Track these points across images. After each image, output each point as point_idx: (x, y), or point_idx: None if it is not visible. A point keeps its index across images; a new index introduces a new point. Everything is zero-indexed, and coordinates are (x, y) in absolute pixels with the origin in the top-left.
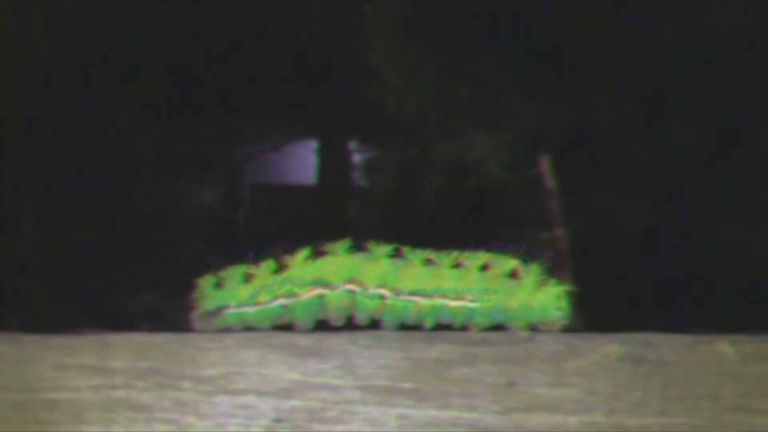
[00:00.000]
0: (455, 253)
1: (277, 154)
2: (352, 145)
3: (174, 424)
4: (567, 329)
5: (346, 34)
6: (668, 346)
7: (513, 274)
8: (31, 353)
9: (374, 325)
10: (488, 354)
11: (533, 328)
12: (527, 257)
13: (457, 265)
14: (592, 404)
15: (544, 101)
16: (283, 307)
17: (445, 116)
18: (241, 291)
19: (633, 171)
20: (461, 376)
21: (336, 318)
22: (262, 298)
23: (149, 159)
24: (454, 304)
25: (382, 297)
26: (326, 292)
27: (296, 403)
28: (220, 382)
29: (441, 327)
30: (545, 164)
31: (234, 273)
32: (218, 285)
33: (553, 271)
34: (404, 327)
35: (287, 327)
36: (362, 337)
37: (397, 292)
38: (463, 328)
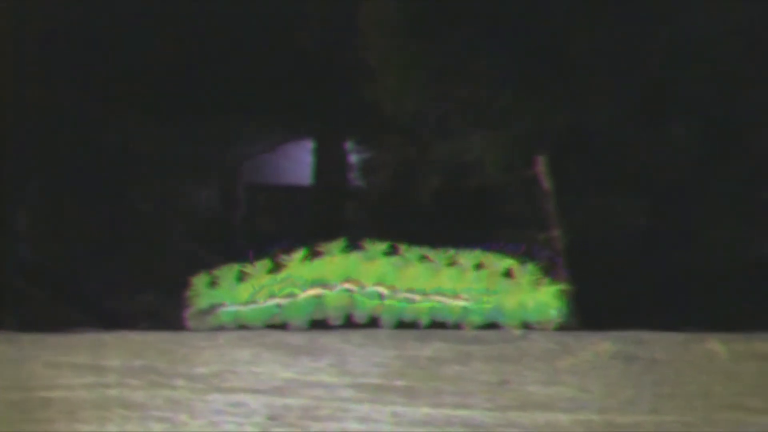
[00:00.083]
0: (451, 251)
1: (273, 155)
2: (349, 145)
3: (167, 423)
4: (561, 328)
5: (342, 34)
6: (660, 344)
7: (508, 274)
8: (25, 352)
9: (368, 323)
10: (481, 352)
11: (528, 327)
12: (524, 257)
13: (452, 263)
14: (584, 402)
15: (541, 101)
16: (278, 306)
17: (442, 116)
18: (236, 289)
19: (630, 171)
20: (454, 374)
21: (334, 317)
22: (257, 297)
23: (146, 159)
24: (449, 302)
25: (380, 295)
26: (323, 292)
27: (289, 401)
28: (213, 381)
29: (434, 325)
30: (542, 165)
31: (228, 271)
32: (212, 283)
33: (549, 271)
34: (400, 325)
35: (281, 325)
36: (356, 336)
37: (394, 290)
38: (457, 327)
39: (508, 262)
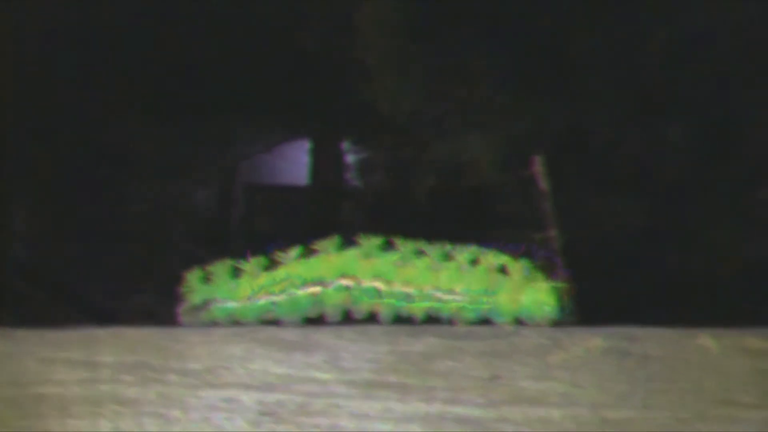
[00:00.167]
0: (447, 246)
1: (270, 155)
2: (346, 145)
3: (160, 418)
4: (555, 325)
5: (340, 35)
6: (652, 340)
7: (503, 270)
8: (18, 347)
9: (360, 319)
10: (473, 347)
11: (521, 323)
12: (522, 257)
13: (448, 258)
14: (576, 397)
15: (538, 101)
16: (272, 303)
17: (439, 116)
18: (229, 286)
19: (628, 171)
20: (446, 370)
21: (331, 314)
22: (251, 293)
23: (144, 159)
24: (444, 297)
25: (377, 290)
26: (320, 289)
27: (282, 396)
28: (206, 376)
29: (427, 321)
30: (539, 165)
31: (222, 268)
32: (206, 279)
33: (546, 269)
34: (395, 320)
35: (274, 322)
36: (348, 332)
37: (391, 285)
38: (450, 322)
39: (503, 259)
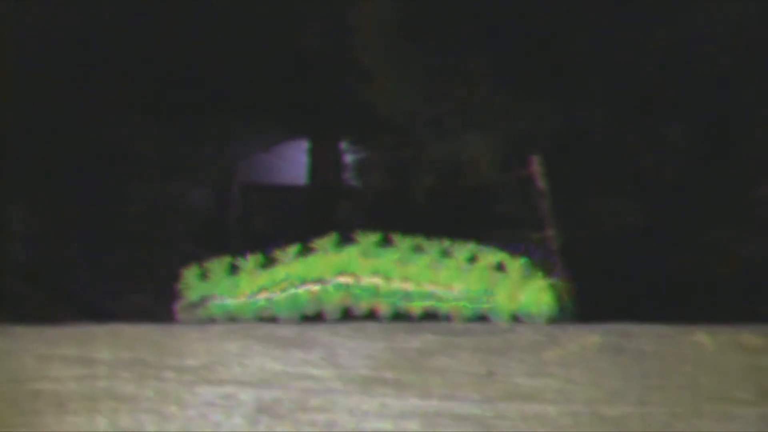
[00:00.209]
0: (445, 242)
1: (268, 154)
2: (344, 145)
3: (157, 414)
4: (552, 322)
5: (338, 34)
6: (647, 336)
7: (501, 268)
8: (15, 344)
9: (358, 316)
10: (469, 344)
11: (518, 321)
12: (520, 255)
13: (446, 256)
14: (571, 394)
15: (536, 101)
16: (270, 300)
17: (437, 117)
18: (227, 283)
19: (626, 171)
20: (443, 366)
21: (331, 312)
22: (249, 291)
23: (142, 159)
24: (442, 294)
25: (376, 286)
26: (319, 287)
27: (279, 393)
28: (202, 373)
29: (423, 318)
30: (537, 164)
31: (219, 265)
32: (203, 276)
33: (545, 268)
34: (394, 317)
35: (271, 318)
36: (345, 328)
37: (389, 281)
38: (447, 319)
39: (501, 257)
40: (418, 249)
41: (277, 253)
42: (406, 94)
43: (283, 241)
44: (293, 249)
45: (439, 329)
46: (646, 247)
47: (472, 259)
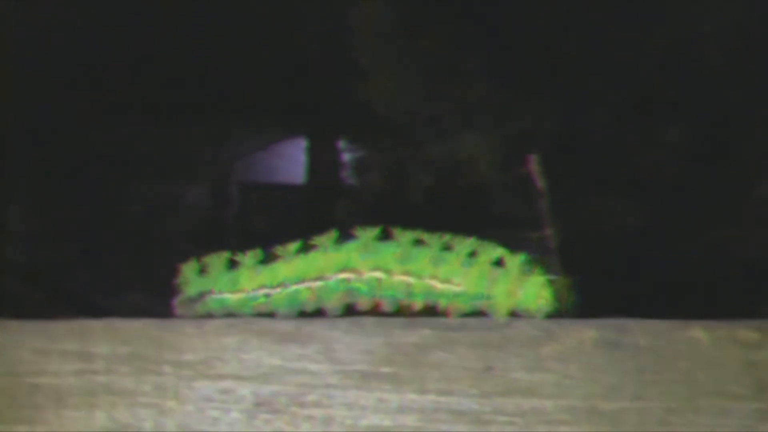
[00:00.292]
0: (446, 237)
1: (266, 153)
2: (342, 144)
3: (155, 409)
4: (550, 317)
5: (335, 34)
6: (643, 331)
7: (499, 263)
8: (13, 338)
9: (359, 311)
10: (467, 339)
11: (516, 316)
12: (519, 252)
13: (446, 250)
14: (568, 388)
15: (534, 101)
16: (268, 296)
17: (435, 116)
18: (226, 278)
19: (624, 171)
20: (440, 361)
21: (331, 309)
22: (248, 287)
23: (138, 158)
24: (441, 286)
25: (378, 280)
26: (320, 283)
27: (276, 387)
28: (200, 367)
29: (420, 313)
30: (535, 163)
31: (218, 260)
32: (202, 271)
33: (543, 265)
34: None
35: (269, 314)
36: (342, 323)
37: (390, 273)
38: (444, 314)
39: (498, 251)
40: (418, 243)
41: (278, 250)
42: (405, 93)
43: (282, 240)
44: (294, 246)
45: (437, 324)
46: (645, 247)
47: (472, 255)
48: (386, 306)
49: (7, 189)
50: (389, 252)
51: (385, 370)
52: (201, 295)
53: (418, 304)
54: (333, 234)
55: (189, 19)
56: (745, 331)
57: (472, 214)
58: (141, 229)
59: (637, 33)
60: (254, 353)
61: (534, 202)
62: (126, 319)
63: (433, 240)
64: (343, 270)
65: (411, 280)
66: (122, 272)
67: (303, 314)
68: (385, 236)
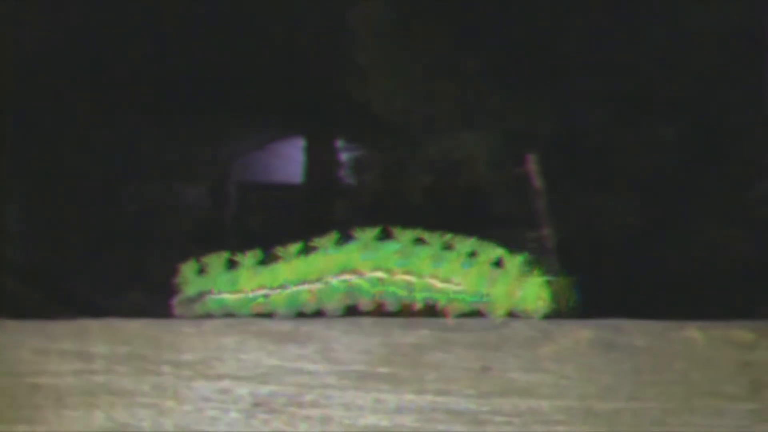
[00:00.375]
0: (446, 236)
1: (264, 153)
2: (340, 143)
3: (154, 408)
4: (547, 318)
5: (334, 34)
6: (639, 332)
7: (499, 263)
8: (12, 338)
9: (361, 311)
10: (464, 339)
11: (513, 316)
12: (518, 252)
13: (447, 249)
14: (564, 389)
15: (531, 101)
16: (267, 297)
17: (433, 116)
18: (225, 278)
19: (620, 171)
20: (438, 362)
21: (331, 311)
22: (247, 287)
23: (137, 158)
24: (441, 285)
25: (380, 279)
26: (321, 285)
27: (274, 387)
28: (199, 367)
29: (418, 313)
30: (533, 163)
31: (217, 260)
32: (201, 271)
33: (542, 265)
34: (386, 313)
35: (268, 314)
36: (340, 323)
37: (392, 273)
38: (443, 313)
39: (500, 252)
40: (418, 242)
41: (278, 251)
42: (403, 92)
43: (280, 239)
44: (294, 247)
45: (434, 325)
46: (642, 246)
47: (472, 255)
48: (389, 305)
49: (6, 189)
50: (389, 251)
51: (383, 370)
52: (200, 296)
53: (419, 303)
54: (333, 236)
55: (188, 19)
56: (741, 332)
57: (470, 214)
58: (139, 228)
59: (634, 33)
60: (253, 353)
61: (532, 202)
62: (125, 319)
63: (434, 239)
64: (344, 271)
65: (412, 279)
66: (121, 272)
67: (301, 314)
68: (385, 236)
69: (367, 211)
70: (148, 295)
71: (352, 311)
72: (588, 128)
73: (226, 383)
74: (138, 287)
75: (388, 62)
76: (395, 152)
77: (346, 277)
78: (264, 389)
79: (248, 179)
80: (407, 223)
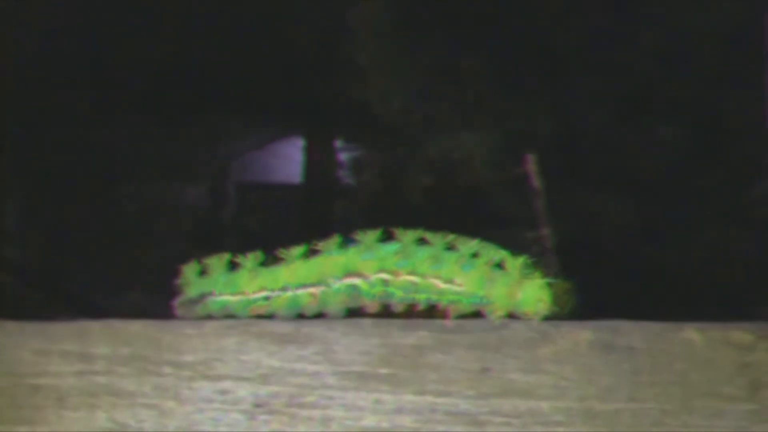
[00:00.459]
0: (449, 237)
1: (263, 153)
2: (339, 143)
3: (155, 409)
4: (548, 320)
5: (333, 34)
6: (638, 333)
7: (500, 265)
8: (12, 339)
9: (353, 313)
10: (463, 340)
11: (513, 317)
12: (518, 253)
13: (450, 249)
14: (564, 390)
15: (531, 101)
16: (268, 299)
17: (431, 115)
18: (227, 280)
19: (619, 171)
20: (437, 363)
21: (333, 314)
22: (248, 288)
23: (136, 158)
24: (443, 286)
25: (385, 281)
26: (324, 288)
27: (275, 388)
28: (200, 368)
29: (417, 314)
30: (532, 163)
31: (219, 261)
32: (202, 273)
33: (543, 267)
34: (385, 314)
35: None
36: (340, 324)
37: (396, 274)
38: (444, 314)
39: (502, 254)
40: (421, 242)
41: (281, 253)
42: (402, 93)
43: (279, 239)
44: (297, 250)
45: (434, 326)
46: (641, 246)
47: (474, 255)
48: (396, 306)
49: (6, 189)
50: (389, 252)
51: (383, 371)
52: (201, 297)
53: (422, 304)
54: (336, 238)
55: (188, 19)
56: (739, 333)
57: (468, 214)
58: (139, 228)
59: (634, 33)
60: (253, 354)
61: (531, 202)
62: (126, 320)
63: (436, 239)
64: (348, 274)
65: (416, 279)
66: (120, 272)
67: (301, 316)
68: (387, 238)
69: (366, 211)
70: (148, 295)
71: (352, 312)
72: (588, 128)
73: (227, 384)
74: (137, 287)
75: (387, 62)
76: (394, 152)
77: (349, 280)
78: (265, 390)
79: (247, 179)
80: (406, 223)
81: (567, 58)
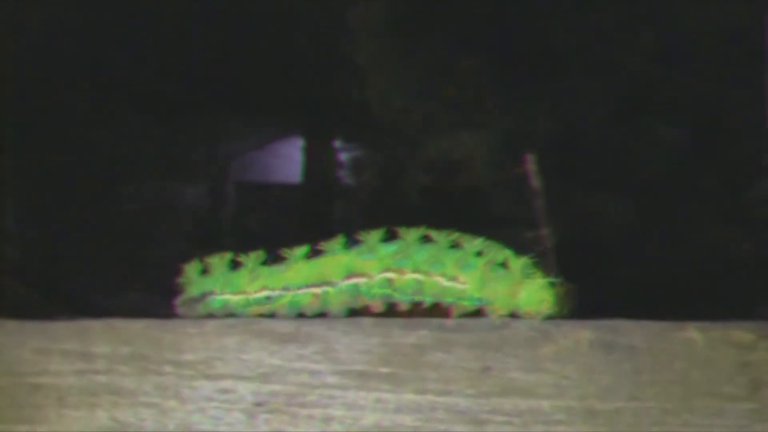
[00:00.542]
0: (454, 234)
1: (263, 153)
2: (338, 143)
3: (156, 408)
4: (550, 319)
5: (332, 34)
6: (638, 332)
7: (503, 264)
8: (13, 338)
9: (353, 312)
10: (464, 339)
11: (516, 317)
12: (520, 253)
13: (454, 247)
14: (564, 389)
15: (529, 101)
16: (270, 299)
17: (431, 115)
18: (228, 279)
19: (619, 171)
20: (438, 362)
21: (336, 314)
22: (250, 288)
23: (135, 158)
24: (447, 283)
25: (389, 280)
26: (327, 288)
27: (276, 387)
28: (200, 367)
29: (418, 313)
30: (531, 163)
31: (220, 260)
32: (204, 272)
33: (544, 267)
34: (386, 313)
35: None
36: (341, 324)
37: (401, 273)
38: (446, 312)
39: (505, 253)
40: (425, 241)
41: (284, 253)
42: (401, 92)
43: (278, 239)
44: (300, 250)
45: (435, 325)
46: (641, 246)
47: (478, 254)
48: (402, 305)
49: (6, 189)
50: (389, 251)
51: (384, 370)
52: (203, 296)
53: (427, 302)
54: (340, 239)
55: (188, 19)
56: (740, 332)
57: (468, 213)
58: (139, 228)
59: (633, 34)
60: (254, 353)
61: (530, 202)
62: (127, 320)
63: (440, 237)
64: (351, 274)
65: (421, 277)
66: (120, 271)
67: (302, 315)
68: (390, 238)
69: (366, 211)
70: (147, 294)
71: (353, 311)
72: (587, 128)
73: (227, 383)
74: (137, 287)
75: (387, 62)
76: (394, 152)
77: (352, 280)
78: (266, 389)
79: (247, 179)
80: (406, 223)
81: (567, 58)
